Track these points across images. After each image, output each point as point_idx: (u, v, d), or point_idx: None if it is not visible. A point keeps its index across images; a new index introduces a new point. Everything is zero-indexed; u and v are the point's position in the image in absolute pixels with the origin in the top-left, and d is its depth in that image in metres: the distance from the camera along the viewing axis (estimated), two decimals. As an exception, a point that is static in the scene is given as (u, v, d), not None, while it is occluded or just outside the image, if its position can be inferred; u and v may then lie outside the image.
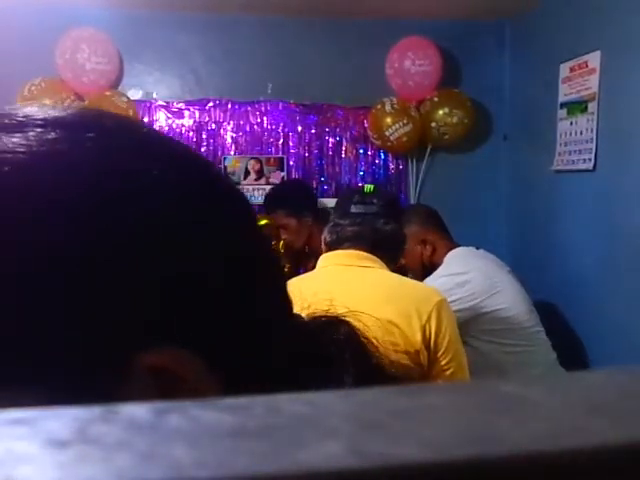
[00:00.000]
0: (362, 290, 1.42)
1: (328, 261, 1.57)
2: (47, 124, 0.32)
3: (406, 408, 0.14)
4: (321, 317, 0.45)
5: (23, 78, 2.89)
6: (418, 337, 1.38)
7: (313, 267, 1.67)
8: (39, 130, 0.31)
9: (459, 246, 2.37)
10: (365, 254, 1.51)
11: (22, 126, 0.31)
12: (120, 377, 0.29)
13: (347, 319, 0.45)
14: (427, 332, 1.40)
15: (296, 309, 0.42)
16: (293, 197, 2.79)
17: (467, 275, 2.22)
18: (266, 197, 2.93)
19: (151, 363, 0.30)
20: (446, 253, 2.33)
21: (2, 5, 2.90)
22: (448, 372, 1.43)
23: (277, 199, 2.81)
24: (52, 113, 0.33)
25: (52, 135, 0.31)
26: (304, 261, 2.79)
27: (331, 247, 1.58)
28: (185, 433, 0.12)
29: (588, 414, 0.13)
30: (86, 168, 0.31)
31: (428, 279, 2.24)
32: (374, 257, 1.52)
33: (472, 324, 2.17)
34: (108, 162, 0.31)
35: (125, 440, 0.12)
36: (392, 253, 1.59)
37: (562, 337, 2.43)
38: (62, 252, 0.29)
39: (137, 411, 0.13)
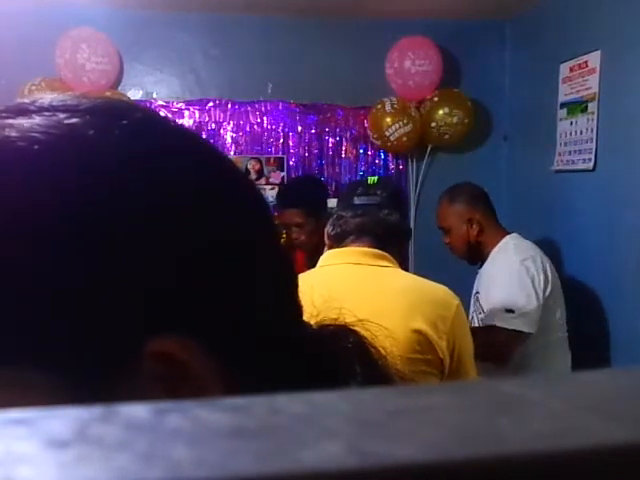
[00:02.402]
0: (385, 295, 1.35)
1: (336, 258, 1.48)
2: (77, 110, 0.32)
3: (406, 408, 0.14)
4: (330, 325, 0.44)
5: (23, 78, 2.89)
6: (444, 344, 1.33)
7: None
8: (66, 114, 0.32)
9: (511, 232, 2.29)
10: (378, 252, 1.44)
11: (50, 109, 0.32)
12: (127, 363, 0.30)
13: (356, 328, 0.45)
14: (451, 339, 1.35)
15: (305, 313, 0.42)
16: (313, 196, 2.56)
17: (543, 260, 2.18)
18: (282, 193, 2.73)
19: (157, 349, 0.30)
20: (495, 234, 2.25)
21: (2, 5, 2.90)
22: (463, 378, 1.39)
23: (296, 197, 2.58)
24: (82, 101, 0.34)
25: (80, 120, 0.32)
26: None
27: (335, 241, 1.51)
28: (185, 433, 0.12)
29: (588, 414, 0.13)
30: (110, 155, 0.31)
31: (505, 262, 2.14)
32: (386, 254, 1.45)
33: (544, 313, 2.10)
34: (131, 151, 0.32)
35: (125, 440, 0.12)
36: (398, 246, 1.53)
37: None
38: (74, 235, 0.29)
39: (137, 411, 0.13)
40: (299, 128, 3.32)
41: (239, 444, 0.12)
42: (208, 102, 3.24)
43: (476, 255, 2.31)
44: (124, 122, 0.33)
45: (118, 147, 0.32)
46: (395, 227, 1.52)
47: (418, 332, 1.31)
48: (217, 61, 3.23)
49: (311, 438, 0.12)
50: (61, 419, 0.13)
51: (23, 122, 0.31)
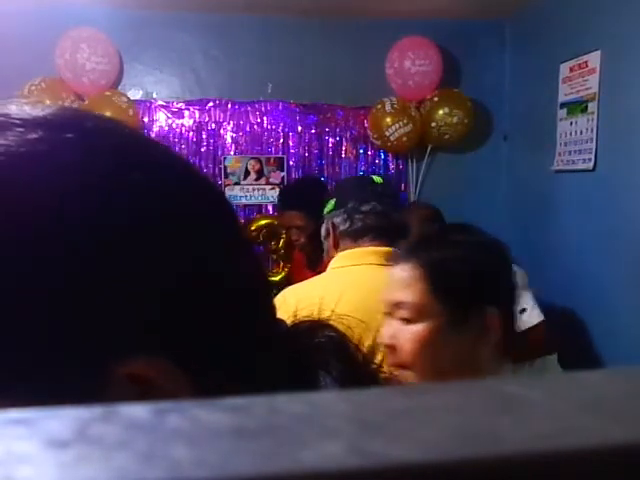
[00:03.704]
0: None
1: (356, 259, 1.40)
2: (26, 124, 0.31)
3: (406, 408, 0.14)
4: (303, 322, 0.44)
5: (23, 78, 2.89)
6: None
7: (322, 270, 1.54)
8: (18, 130, 0.31)
9: None
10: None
11: (0, 127, 0.31)
12: (99, 385, 0.29)
13: (330, 322, 0.45)
14: None
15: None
16: (314, 198, 2.35)
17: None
18: (284, 194, 2.70)
19: (129, 371, 0.30)
20: None
21: (2, 5, 2.90)
22: None
23: (297, 199, 2.54)
24: (31, 113, 0.32)
25: (32, 135, 0.30)
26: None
27: (351, 236, 1.44)
28: (185, 433, 0.12)
29: (588, 414, 0.13)
30: (68, 170, 0.30)
31: None
32: None
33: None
34: (90, 164, 0.31)
35: (125, 440, 0.12)
36: None
37: (561, 335, 2.43)
38: (40, 260, 0.28)
39: (137, 411, 0.13)
40: (299, 128, 3.32)
41: (239, 444, 0.12)
42: (208, 102, 3.24)
43: None
44: (74, 135, 0.31)
45: (74, 163, 0.31)
46: (404, 229, 1.48)
47: None
48: (217, 61, 3.23)
49: (311, 438, 0.12)
50: (61, 419, 0.13)
51: None
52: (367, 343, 0.46)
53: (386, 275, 1.36)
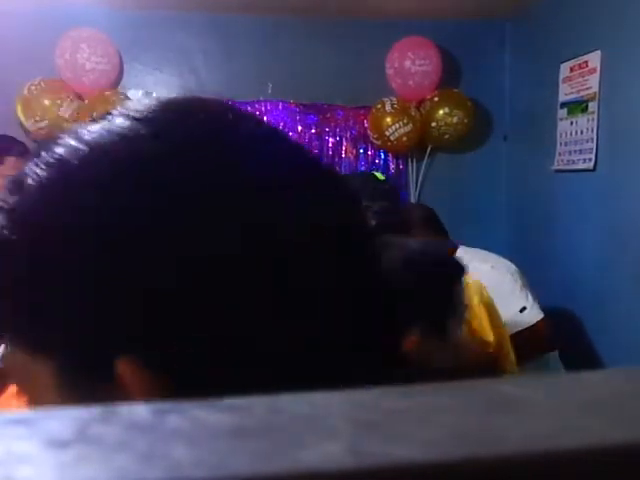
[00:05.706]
0: None
1: None
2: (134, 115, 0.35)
3: (406, 408, 0.14)
4: None
5: (23, 78, 2.89)
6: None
7: None
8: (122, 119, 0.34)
9: (457, 243, 2.33)
10: None
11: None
12: (101, 370, 0.30)
13: None
14: None
15: None
16: None
17: (501, 261, 2.23)
18: None
19: (119, 370, 0.30)
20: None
21: (2, 5, 2.90)
22: None
23: None
24: (140, 105, 0.36)
25: (133, 124, 0.34)
26: None
27: None
28: (185, 433, 0.12)
29: (588, 414, 0.13)
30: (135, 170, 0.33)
31: (479, 276, 2.17)
32: None
33: None
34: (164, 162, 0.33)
35: (125, 440, 0.12)
36: None
37: (562, 335, 2.43)
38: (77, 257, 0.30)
39: (137, 411, 0.13)
40: (299, 128, 3.32)
41: (239, 444, 0.12)
42: (208, 102, 3.24)
43: None
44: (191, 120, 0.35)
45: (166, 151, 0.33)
46: (408, 226, 1.54)
47: None
48: (217, 61, 3.23)
49: (311, 438, 0.12)
50: (61, 419, 0.13)
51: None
52: None
53: None
